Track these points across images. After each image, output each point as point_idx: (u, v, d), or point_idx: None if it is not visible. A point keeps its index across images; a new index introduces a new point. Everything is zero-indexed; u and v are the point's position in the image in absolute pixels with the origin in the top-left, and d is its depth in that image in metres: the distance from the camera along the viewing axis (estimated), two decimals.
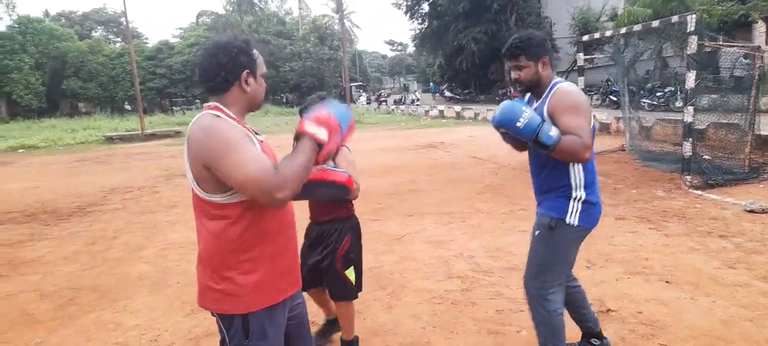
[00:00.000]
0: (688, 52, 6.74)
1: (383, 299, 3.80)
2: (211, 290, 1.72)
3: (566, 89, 2.29)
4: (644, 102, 13.49)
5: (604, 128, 13.30)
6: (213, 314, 1.80)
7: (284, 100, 44.69)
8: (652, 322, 3.21)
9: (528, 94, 2.52)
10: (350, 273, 2.85)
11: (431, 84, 43.94)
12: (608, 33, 10.11)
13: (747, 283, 3.72)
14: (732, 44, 8.27)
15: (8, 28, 39.87)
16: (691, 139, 6.89)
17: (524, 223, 5.62)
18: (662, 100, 14.28)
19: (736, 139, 7.74)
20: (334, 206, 2.85)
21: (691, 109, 6.84)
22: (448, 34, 30.37)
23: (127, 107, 29.88)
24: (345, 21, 41.59)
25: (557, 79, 2.37)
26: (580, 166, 2.34)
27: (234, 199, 1.64)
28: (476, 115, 22.57)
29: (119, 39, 54.30)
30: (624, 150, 10.14)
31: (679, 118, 8.15)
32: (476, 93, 33.24)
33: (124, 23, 42.16)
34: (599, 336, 2.82)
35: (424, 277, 4.20)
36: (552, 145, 2.15)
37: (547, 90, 2.36)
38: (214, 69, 1.67)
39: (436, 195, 7.30)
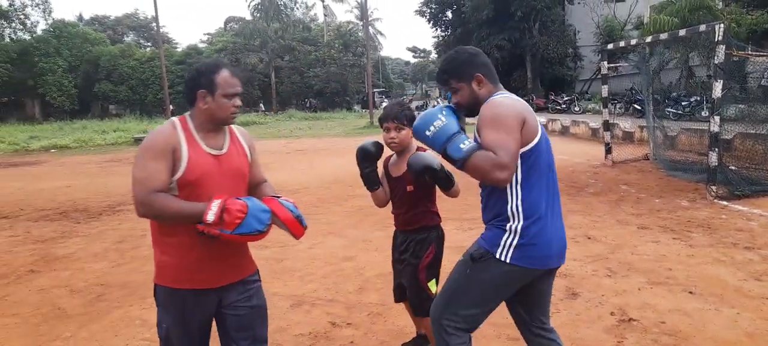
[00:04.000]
0: (716, 62, 6.65)
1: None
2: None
3: (491, 102, 1.99)
4: (669, 111, 13.29)
5: (628, 137, 13.14)
6: None
7: (308, 104, 45.07)
8: (675, 332, 3.18)
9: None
10: (433, 285, 2.66)
11: (448, 93, 43.76)
12: (633, 41, 10.03)
13: None
14: (761, 54, 8.12)
15: (44, 32, 41.10)
16: (717, 149, 6.79)
17: None
18: (688, 109, 14.05)
19: (764, 149, 7.60)
20: (418, 214, 2.73)
21: (717, 118, 6.74)
22: (470, 42, 30.28)
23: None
24: (369, 28, 41.89)
25: (500, 92, 2.07)
26: (519, 191, 1.97)
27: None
28: None
29: (149, 44, 55.44)
30: (648, 159, 10.02)
31: (705, 127, 8.04)
32: None
33: (155, 28, 43.07)
34: None
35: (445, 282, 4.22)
36: (460, 160, 1.89)
37: None
38: (185, 86, 2.03)
39: (457, 200, 7.27)
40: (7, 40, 40.30)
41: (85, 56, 41.84)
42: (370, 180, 2.74)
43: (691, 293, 3.78)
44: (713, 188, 6.76)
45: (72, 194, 9.37)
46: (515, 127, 1.89)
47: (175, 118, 2.00)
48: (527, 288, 2.10)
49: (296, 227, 2.02)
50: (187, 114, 2.03)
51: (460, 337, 2.09)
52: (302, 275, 4.56)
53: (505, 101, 1.98)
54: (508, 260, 1.97)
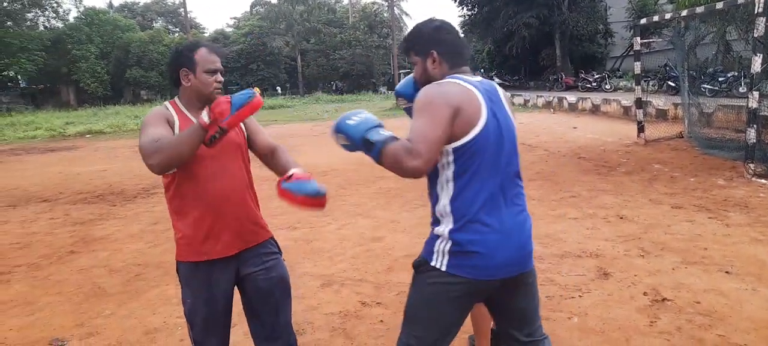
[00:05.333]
0: (755, 35, 6.42)
1: None
2: None
3: (429, 86, 1.77)
4: (705, 87, 12.89)
5: (661, 115, 12.81)
6: None
7: (334, 87, 45.11)
8: (710, 312, 3.13)
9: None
10: None
11: (481, 70, 43.15)
12: (668, 16, 9.71)
13: None
14: None
15: (76, 19, 41.96)
16: (755, 126, 6.58)
17: (575, 210, 5.55)
18: (724, 85, 13.60)
19: None
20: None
21: (756, 94, 6.52)
22: (497, 20, 29.74)
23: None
24: (394, 8, 41.55)
25: (454, 75, 1.81)
26: (449, 189, 1.74)
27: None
28: (526, 101, 22.15)
29: (178, 29, 56.08)
30: (682, 137, 9.78)
31: (743, 104, 7.80)
32: (526, 79, 32.58)
33: (183, 14, 43.59)
34: None
35: None
36: (376, 145, 1.69)
37: None
38: (167, 68, 2.11)
39: None
40: (41, 28, 41.33)
41: (116, 43, 42.58)
42: None
43: (727, 272, 3.71)
44: (751, 165, 6.57)
45: (108, 177, 9.63)
46: (442, 115, 1.66)
47: (166, 102, 2.16)
48: (496, 302, 1.89)
49: (313, 203, 1.95)
50: (175, 97, 2.16)
51: None
52: (331, 255, 4.62)
53: (442, 87, 1.74)
54: (443, 269, 1.73)
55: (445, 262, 1.73)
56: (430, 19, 1.93)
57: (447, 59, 1.84)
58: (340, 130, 1.78)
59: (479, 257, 1.71)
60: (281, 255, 2.28)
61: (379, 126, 1.75)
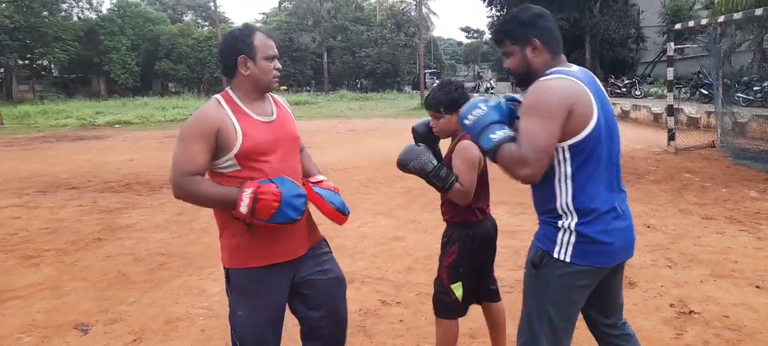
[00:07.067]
0: None
1: None
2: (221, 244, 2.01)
3: (539, 83, 1.71)
4: (739, 96, 12.54)
5: (693, 123, 12.52)
6: None
7: (359, 85, 45.29)
8: (739, 327, 3.04)
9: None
10: (457, 289, 2.35)
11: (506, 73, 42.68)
12: (704, 22, 9.48)
13: None
14: None
15: (109, 11, 42.95)
16: None
17: None
18: (760, 95, 13.21)
19: None
20: (449, 205, 2.41)
21: None
22: None
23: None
24: (422, 7, 41.42)
25: (559, 68, 1.76)
26: (568, 186, 1.72)
27: (224, 170, 1.88)
28: None
29: (207, 23, 56.90)
30: (714, 147, 9.53)
31: None
32: None
33: (213, 8, 44.16)
34: None
35: (496, 265, 4.17)
36: (489, 152, 1.72)
37: None
38: (220, 58, 1.95)
39: (510, 184, 7.16)
40: (75, 19, 42.34)
41: (147, 35, 43.42)
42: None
43: (758, 287, 3.59)
44: None
45: (135, 167, 9.81)
46: (554, 117, 1.63)
47: (218, 95, 1.94)
48: (595, 289, 1.87)
49: (338, 217, 2.03)
50: (227, 88, 1.97)
51: None
52: (352, 253, 4.62)
53: (554, 83, 1.69)
54: (568, 259, 1.74)
55: (569, 252, 1.74)
56: (526, 5, 1.87)
57: (548, 49, 1.80)
58: (460, 124, 1.83)
59: (606, 245, 1.74)
60: (332, 252, 2.20)
61: (493, 123, 1.73)
